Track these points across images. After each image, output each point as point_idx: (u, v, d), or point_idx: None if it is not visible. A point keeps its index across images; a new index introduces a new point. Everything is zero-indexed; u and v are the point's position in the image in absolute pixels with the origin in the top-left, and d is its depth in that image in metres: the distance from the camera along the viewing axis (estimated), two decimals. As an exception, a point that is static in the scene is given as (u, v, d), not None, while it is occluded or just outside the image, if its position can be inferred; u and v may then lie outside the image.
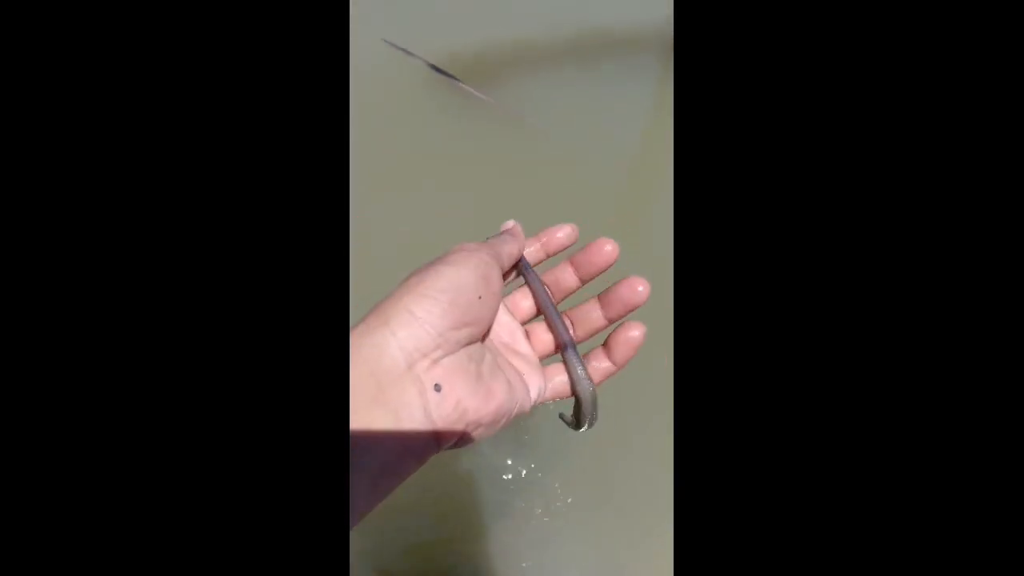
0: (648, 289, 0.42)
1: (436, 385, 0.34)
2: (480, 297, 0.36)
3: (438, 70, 1.10)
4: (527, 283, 0.44)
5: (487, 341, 0.40)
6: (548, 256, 0.45)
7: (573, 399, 0.43)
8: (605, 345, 0.43)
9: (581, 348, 0.43)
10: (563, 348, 0.43)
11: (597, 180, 1.07)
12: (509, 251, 0.41)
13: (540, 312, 0.44)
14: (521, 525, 0.82)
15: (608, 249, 0.43)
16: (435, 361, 0.35)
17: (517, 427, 0.88)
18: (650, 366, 0.89)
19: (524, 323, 0.44)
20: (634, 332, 0.42)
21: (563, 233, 0.44)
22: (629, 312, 0.42)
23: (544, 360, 0.44)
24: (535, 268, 0.44)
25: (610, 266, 0.43)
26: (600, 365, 0.42)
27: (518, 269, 0.44)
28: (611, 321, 0.43)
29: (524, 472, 0.85)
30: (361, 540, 0.78)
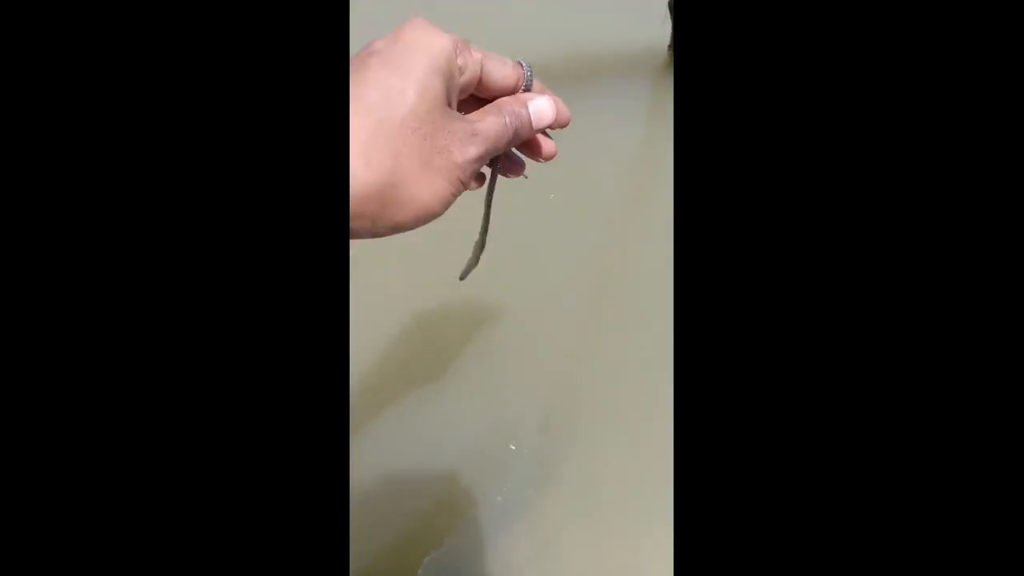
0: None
1: None
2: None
3: None
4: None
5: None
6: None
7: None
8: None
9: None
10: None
11: (592, 197, 1.08)
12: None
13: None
14: (518, 527, 0.83)
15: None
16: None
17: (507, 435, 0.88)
18: (648, 378, 0.90)
19: None
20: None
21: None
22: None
23: None
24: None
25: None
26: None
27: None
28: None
29: (520, 478, 0.86)
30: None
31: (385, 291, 0.97)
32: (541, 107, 0.37)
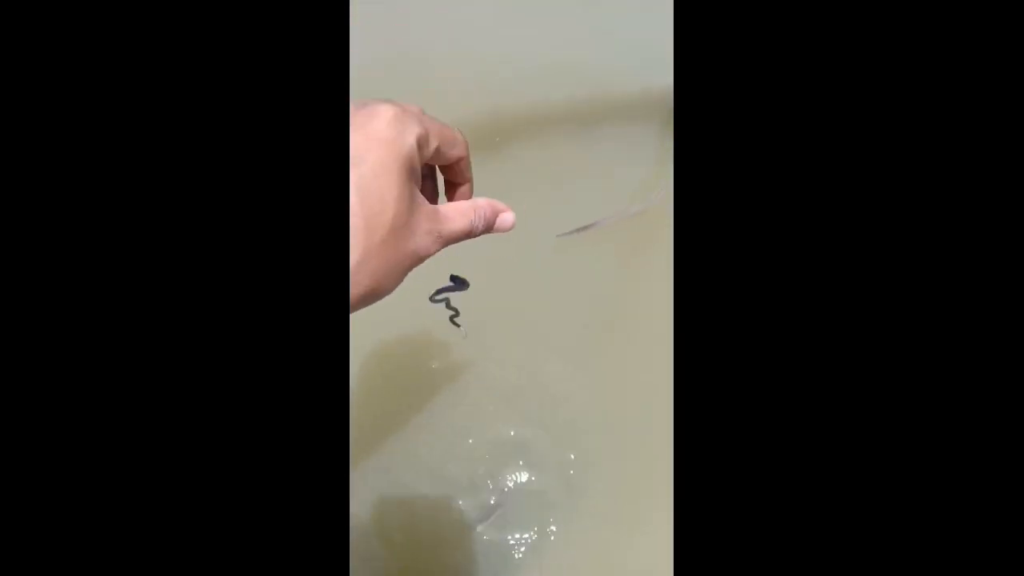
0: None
1: None
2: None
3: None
4: None
5: None
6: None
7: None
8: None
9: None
10: None
11: (596, 239, 1.09)
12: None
13: None
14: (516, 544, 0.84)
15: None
16: None
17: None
18: (652, 407, 0.90)
19: None
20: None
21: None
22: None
23: None
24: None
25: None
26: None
27: None
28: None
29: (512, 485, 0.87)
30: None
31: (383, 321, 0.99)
32: (508, 221, 0.40)
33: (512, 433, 0.91)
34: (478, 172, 0.42)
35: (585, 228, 1.02)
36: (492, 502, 0.86)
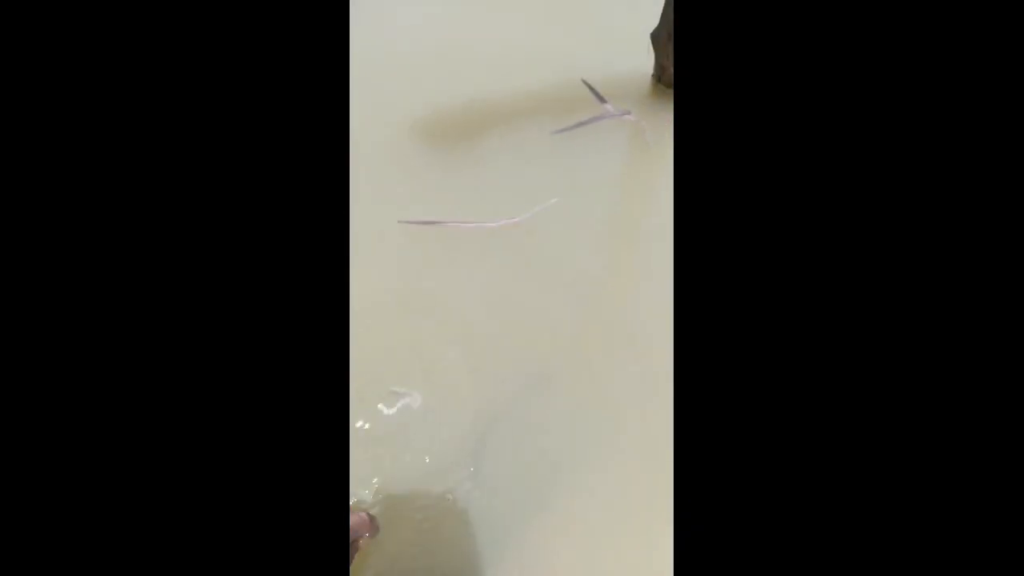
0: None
1: None
2: None
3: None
4: None
5: None
6: None
7: None
8: None
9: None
10: None
11: (580, 212, 1.10)
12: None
13: None
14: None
15: None
16: None
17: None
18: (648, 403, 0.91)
19: None
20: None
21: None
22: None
23: None
24: None
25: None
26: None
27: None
28: None
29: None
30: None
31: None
32: (375, 523, 0.90)
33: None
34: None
35: (433, 223, 1.16)
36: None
